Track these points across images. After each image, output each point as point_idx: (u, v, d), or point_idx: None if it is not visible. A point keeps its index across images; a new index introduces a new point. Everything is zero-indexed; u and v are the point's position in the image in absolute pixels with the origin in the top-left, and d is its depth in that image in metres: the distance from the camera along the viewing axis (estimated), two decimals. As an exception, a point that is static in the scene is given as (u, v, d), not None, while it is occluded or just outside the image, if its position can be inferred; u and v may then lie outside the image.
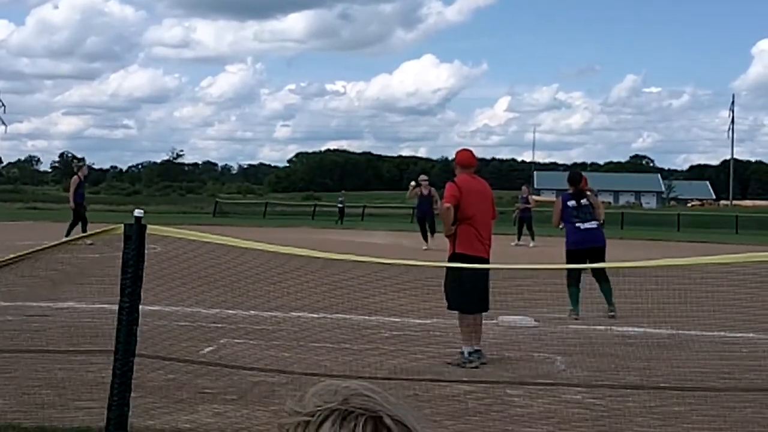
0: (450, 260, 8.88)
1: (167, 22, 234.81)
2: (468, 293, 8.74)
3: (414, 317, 11.42)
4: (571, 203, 12.59)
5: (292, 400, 1.25)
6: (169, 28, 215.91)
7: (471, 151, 9.57)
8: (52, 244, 7.07)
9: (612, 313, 11.87)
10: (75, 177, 23.71)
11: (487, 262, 8.99)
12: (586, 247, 12.31)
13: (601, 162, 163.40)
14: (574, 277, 12.12)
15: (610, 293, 12.02)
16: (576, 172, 13.39)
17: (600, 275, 12.13)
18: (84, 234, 7.02)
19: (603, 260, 12.28)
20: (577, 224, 12.56)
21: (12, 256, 6.89)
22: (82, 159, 25.07)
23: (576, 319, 11.84)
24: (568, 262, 12.26)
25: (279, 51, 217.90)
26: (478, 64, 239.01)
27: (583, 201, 12.60)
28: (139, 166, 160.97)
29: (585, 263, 11.94)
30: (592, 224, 12.56)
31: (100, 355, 7.88)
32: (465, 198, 8.94)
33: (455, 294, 8.91)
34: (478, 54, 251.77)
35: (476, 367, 8.55)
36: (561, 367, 8.91)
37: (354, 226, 46.83)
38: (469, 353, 8.76)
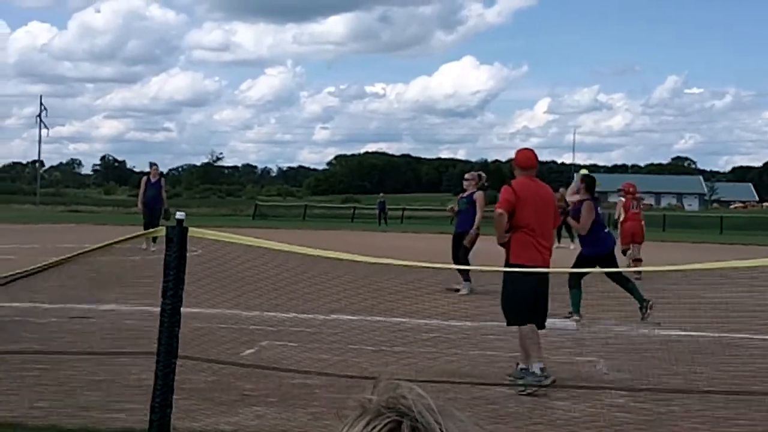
0: (506, 271, 8.21)
1: (207, 26, 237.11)
2: (528, 305, 8.07)
3: (453, 320, 11.40)
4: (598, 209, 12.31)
5: (363, 391, 1.26)
6: (210, 32, 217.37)
7: (532, 151, 8.80)
8: (96, 246, 7.11)
9: (649, 308, 11.71)
10: (144, 178, 23.63)
11: (546, 273, 8.29)
12: (609, 252, 12.11)
13: (642, 164, 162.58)
14: (579, 278, 11.84)
15: (636, 289, 11.90)
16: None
17: (619, 278, 11.99)
18: (124, 237, 7.05)
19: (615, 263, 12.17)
20: (606, 230, 12.39)
21: (56, 259, 6.96)
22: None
23: (577, 320, 11.70)
24: (582, 266, 11.67)
25: (318, 54, 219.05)
26: (518, 66, 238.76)
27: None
28: (180, 169, 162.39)
29: (595, 267, 11.63)
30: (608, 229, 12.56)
31: (143, 357, 7.92)
32: (521, 204, 8.19)
33: (513, 308, 8.17)
34: (518, 56, 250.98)
35: (553, 383, 7.92)
36: (603, 371, 8.83)
37: (394, 228, 46.84)
38: (541, 369, 8.00)
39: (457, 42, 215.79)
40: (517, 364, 8.27)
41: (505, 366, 8.55)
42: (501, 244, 8.35)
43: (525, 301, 8.05)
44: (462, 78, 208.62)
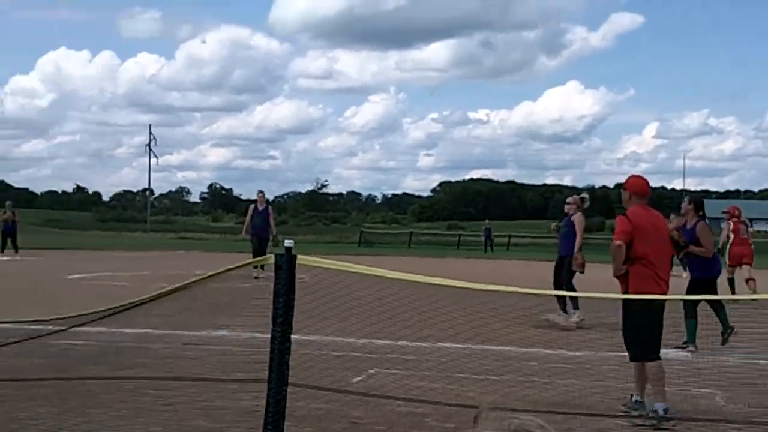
0: (624, 303, 7.95)
1: (311, 54, 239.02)
2: (652, 339, 7.78)
3: (560, 348, 11.23)
4: None
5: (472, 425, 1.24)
6: (314, 60, 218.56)
7: (645, 179, 8.50)
8: (208, 274, 7.22)
9: (731, 335, 11.42)
10: (251, 206, 23.86)
11: (663, 305, 8.06)
12: (716, 276, 11.82)
13: (756, 189, 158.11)
14: (694, 307, 11.54)
15: (726, 316, 11.60)
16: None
17: (716, 303, 11.64)
18: (235, 265, 7.12)
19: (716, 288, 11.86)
20: (715, 252, 12.11)
21: (169, 287, 7.08)
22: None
23: (693, 351, 11.37)
24: (697, 292, 11.28)
25: (421, 80, 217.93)
26: (624, 90, 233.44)
27: None
28: (285, 197, 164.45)
29: (707, 291, 11.30)
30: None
31: (253, 383, 8.01)
32: (638, 234, 7.89)
33: (637, 342, 7.87)
34: (624, 79, 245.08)
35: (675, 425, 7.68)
36: (721, 403, 8.57)
37: (500, 255, 46.55)
38: (665, 410, 7.71)
39: (561, 66, 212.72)
40: (632, 395, 8.09)
41: (619, 397, 8.37)
42: (617, 276, 8.06)
43: (649, 335, 7.77)
44: (567, 103, 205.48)
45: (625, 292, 7.94)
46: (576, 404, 8.23)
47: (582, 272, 14.11)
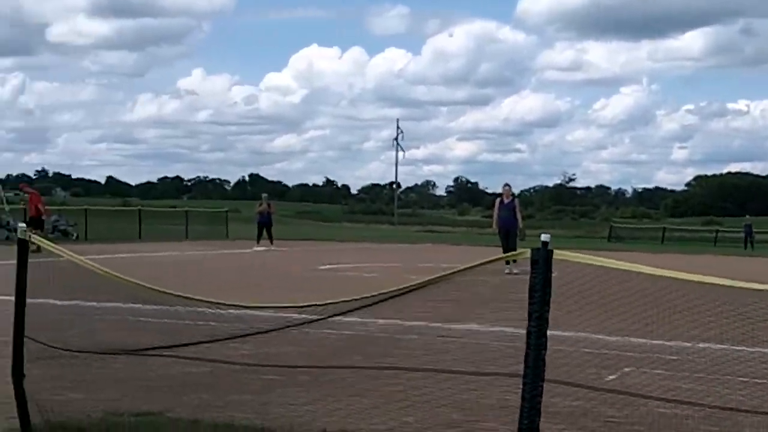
0: None
1: (559, 46, 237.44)
2: None
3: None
4: None
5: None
6: (561, 52, 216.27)
7: None
8: (464, 267, 7.18)
9: None
10: (498, 199, 23.92)
11: None
12: None
13: None
14: None
15: None
16: None
17: None
18: (489, 259, 7.04)
19: None
20: None
21: (424, 279, 7.09)
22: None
23: None
24: None
25: (675, 70, 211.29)
26: None
27: None
28: (531, 190, 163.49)
29: None
30: None
31: (504, 378, 7.89)
32: None
33: None
34: None
35: None
36: None
37: (762, 253, 44.29)
38: None
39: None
40: None
41: None
42: None
43: None
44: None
45: None
46: None
47: None
